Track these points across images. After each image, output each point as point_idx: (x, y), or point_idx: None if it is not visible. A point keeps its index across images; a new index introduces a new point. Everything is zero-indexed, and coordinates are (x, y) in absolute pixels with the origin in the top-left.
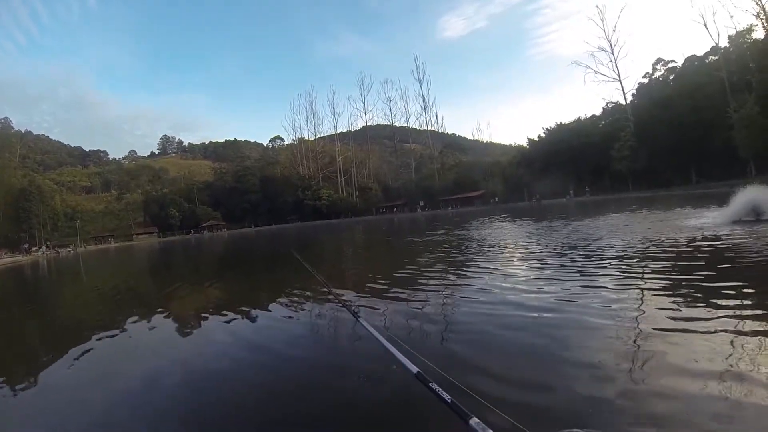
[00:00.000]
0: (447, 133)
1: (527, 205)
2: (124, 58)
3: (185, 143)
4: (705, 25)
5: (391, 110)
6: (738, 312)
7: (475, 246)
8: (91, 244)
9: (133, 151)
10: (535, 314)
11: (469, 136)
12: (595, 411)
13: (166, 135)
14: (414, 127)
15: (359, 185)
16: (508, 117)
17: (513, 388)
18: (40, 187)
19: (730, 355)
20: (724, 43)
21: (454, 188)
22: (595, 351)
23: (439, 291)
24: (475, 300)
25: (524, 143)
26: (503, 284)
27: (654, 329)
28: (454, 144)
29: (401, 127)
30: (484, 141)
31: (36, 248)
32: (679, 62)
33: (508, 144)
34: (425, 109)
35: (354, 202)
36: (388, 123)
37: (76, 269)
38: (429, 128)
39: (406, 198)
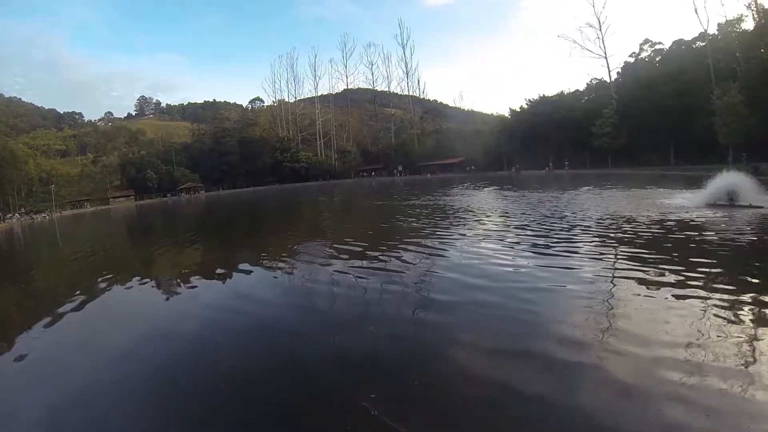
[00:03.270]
0: (428, 99)
1: (506, 175)
2: (98, 15)
3: (163, 104)
4: (695, 11)
5: (372, 74)
6: (707, 290)
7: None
8: (66, 209)
9: (109, 112)
10: (510, 283)
11: (451, 104)
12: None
13: (143, 96)
14: (395, 91)
15: (338, 148)
16: (490, 86)
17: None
18: (13, 152)
19: (698, 330)
20: (713, 30)
21: (433, 154)
22: (571, 324)
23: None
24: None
25: (506, 113)
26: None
27: (626, 303)
28: (435, 110)
29: (382, 92)
30: (466, 109)
31: (10, 215)
32: (667, 45)
33: (489, 113)
34: (407, 74)
35: (333, 165)
36: (370, 87)
37: (53, 235)
38: (410, 93)
39: (384, 162)
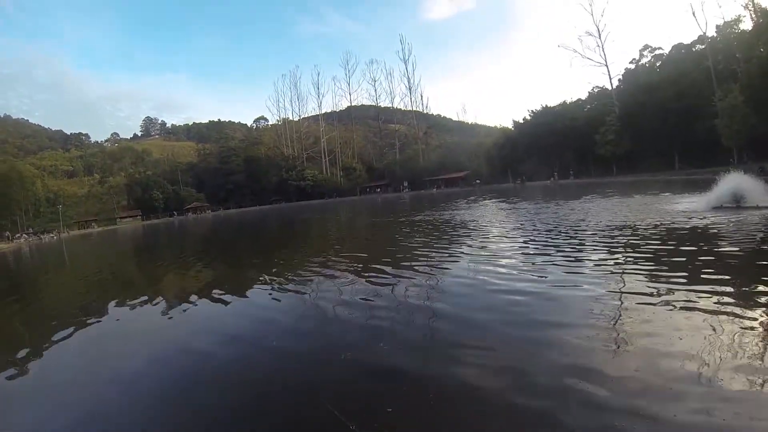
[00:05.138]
0: (431, 114)
1: (511, 187)
2: (103, 35)
3: (168, 124)
4: (693, 14)
5: (375, 90)
6: (716, 298)
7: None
8: (74, 229)
9: (115, 133)
10: (518, 297)
11: (454, 117)
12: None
13: (148, 116)
14: (399, 107)
15: (343, 165)
16: (493, 99)
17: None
18: (21, 173)
19: (707, 337)
20: (711, 32)
21: (438, 169)
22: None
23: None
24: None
25: (509, 125)
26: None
27: (634, 311)
28: (438, 125)
29: (386, 108)
30: (469, 122)
31: (18, 235)
32: (666, 50)
33: (493, 126)
34: (410, 89)
35: (338, 183)
36: (373, 103)
37: (60, 255)
38: (414, 109)
39: (390, 178)
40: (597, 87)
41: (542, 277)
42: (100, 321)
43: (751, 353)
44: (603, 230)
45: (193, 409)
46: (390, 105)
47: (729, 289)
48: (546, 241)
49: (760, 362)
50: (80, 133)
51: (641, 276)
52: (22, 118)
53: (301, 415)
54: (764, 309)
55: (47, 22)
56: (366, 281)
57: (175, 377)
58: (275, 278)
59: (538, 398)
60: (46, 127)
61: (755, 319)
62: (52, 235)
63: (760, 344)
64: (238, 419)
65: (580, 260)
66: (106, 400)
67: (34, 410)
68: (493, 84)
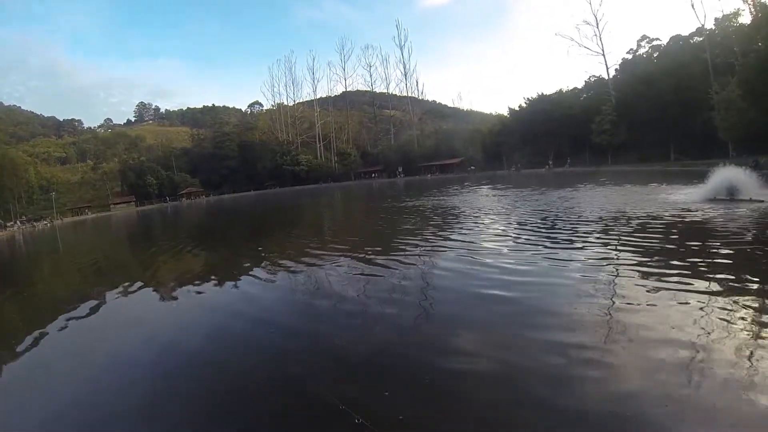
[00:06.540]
0: (427, 100)
1: (506, 174)
2: (96, 21)
3: (162, 110)
4: (692, 6)
5: (371, 76)
6: (708, 289)
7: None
8: (67, 216)
9: (108, 119)
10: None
11: (450, 104)
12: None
13: (142, 102)
14: (394, 93)
15: (338, 151)
16: (489, 86)
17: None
18: (13, 160)
19: (699, 328)
20: (710, 25)
21: (433, 155)
22: (572, 319)
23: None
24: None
25: (505, 112)
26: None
27: (625, 300)
28: (434, 111)
29: (381, 93)
30: (465, 109)
31: (11, 223)
32: (664, 41)
33: (488, 113)
34: (406, 75)
35: (333, 168)
36: (368, 89)
37: (54, 242)
38: (409, 95)
39: (384, 163)
40: (594, 76)
41: (530, 262)
42: (92, 308)
43: (741, 341)
44: (595, 220)
45: (190, 396)
46: (385, 91)
47: (721, 280)
48: (534, 229)
49: (750, 348)
50: (73, 120)
51: (633, 266)
52: (14, 105)
53: (297, 399)
54: (754, 299)
55: (40, 9)
56: (358, 269)
57: (172, 364)
58: (268, 265)
59: (529, 385)
60: (39, 113)
61: (745, 309)
62: (45, 222)
63: (750, 332)
64: (236, 402)
65: (569, 249)
66: (99, 390)
67: (30, 396)
68: (489, 71)
